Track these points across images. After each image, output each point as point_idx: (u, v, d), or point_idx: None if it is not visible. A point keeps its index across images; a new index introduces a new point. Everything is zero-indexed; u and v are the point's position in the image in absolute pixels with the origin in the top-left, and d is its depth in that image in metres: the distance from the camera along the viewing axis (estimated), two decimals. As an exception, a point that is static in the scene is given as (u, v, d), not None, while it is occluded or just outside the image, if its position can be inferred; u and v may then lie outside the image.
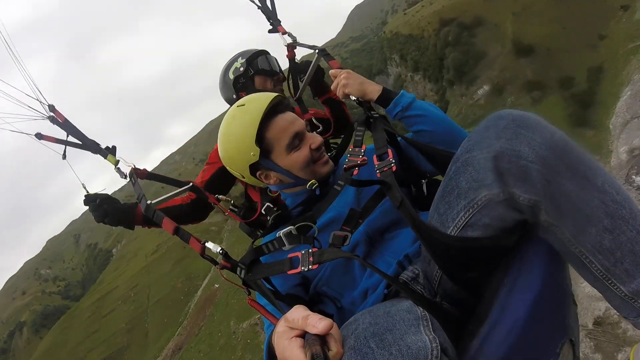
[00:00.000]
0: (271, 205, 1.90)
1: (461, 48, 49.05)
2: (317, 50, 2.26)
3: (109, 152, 2.11)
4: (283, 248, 1.50)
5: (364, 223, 1.52)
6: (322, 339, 0.87)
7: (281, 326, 0.95)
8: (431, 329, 0.97)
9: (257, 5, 2.62)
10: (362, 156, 1.64)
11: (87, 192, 2.06)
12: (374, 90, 1.85)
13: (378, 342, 0.89)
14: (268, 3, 2.62)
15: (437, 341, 0.92)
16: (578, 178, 1.02)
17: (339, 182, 1.56)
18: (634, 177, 22.48)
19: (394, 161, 1.53)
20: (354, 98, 1.90)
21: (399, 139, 1.78)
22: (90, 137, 2.19)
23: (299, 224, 1.50)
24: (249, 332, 36.75)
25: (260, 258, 1.53)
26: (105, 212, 1.99)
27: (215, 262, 1.53)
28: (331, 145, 2.47)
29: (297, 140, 1.66)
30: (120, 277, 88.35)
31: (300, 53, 2.63)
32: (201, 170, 2.56)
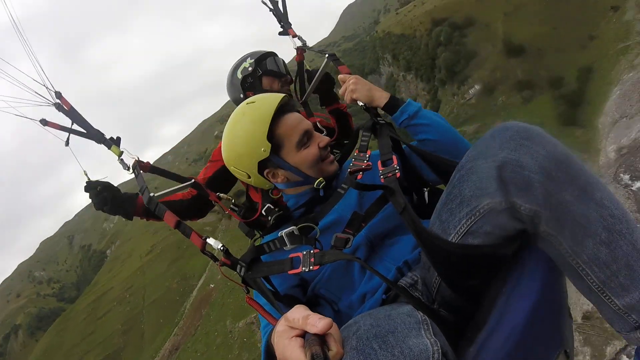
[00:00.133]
0: (272, 207, 1.88)
1: (453, 48, 49.25)
2: (326, 55, 2.26)
3: (113, 143, 2.10)
4: (284, 248, 1.51)
5: (366, 227, 1.54)
6: (322, 339, 0.88)
7: (281, 325, 0.96)
8: (432, 333, 0.99)
9: (269, 7, 2.63)
10: (367, 161, 1.65)
11: (89, 179, 2.03)
12: (381, 97, 1.86)
13: (381, 344, 0.91)
14: (280, 6, 2.64)
15: (438, 344, 0.94)
16: (578, 191, 1.04)
17: (343, 185, 1.56)
18: (621, 175, 22.71)
19: (398, 167, 1.53)
20: (361, 103, 1.90)
21: (403, 146, 1.78)
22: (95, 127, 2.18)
23: (301, 225, 1.52)
24: (245, 331, 36.72)
25: (261, 257, 1.54)
26: (105, 200, 1.98)
27: (215, 259, 1.51)
28: (334, 151, 2.41)
29: (306, 137, 1.69)
30: (115, 279, 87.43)
31: (308, 57, 2.67)
32: (204, 167, 2.55)
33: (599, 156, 25.86)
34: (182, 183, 2.21)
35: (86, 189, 2.01)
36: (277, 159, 1.66)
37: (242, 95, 2.66)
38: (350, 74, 2.00)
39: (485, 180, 1.08)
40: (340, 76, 2.02)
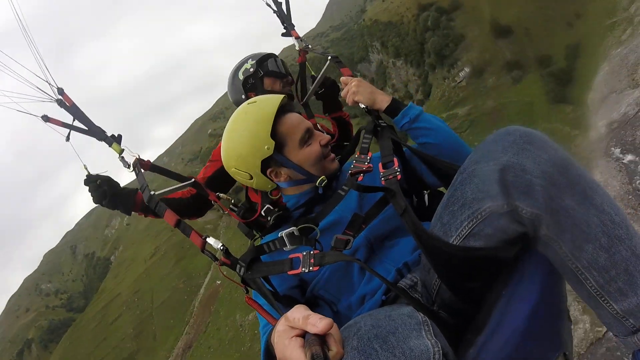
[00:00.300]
0: (271, 207, 1.87)
1: (440, 32, 48.82)
2: (329, 57, 2.26)
3: (114, 140, 2.07)
4: (284, 248, 1.51)
5: (366, 229, 1.54)
6: (322, 339, 0.87)
7: (281, 325, 0.95)
8: (433, 334, 0.97)
9: (272, 9, 2.64)
10: (368, 163, 1.66)
11: (89, 172, 2.01)
12: (383, 100, 1.85)
13: (382, 344, 0.90)
14: (283, 7, 2.65)
15: (439, 345, 0.93)
16: (579, 196, 1.04)
17: (344, 186, 1.56)
18: (612, 149, 22.66)
19: (399, 170, 1.53)
20: (363, 106, 1.89)
21: (404, 149, 1.78)
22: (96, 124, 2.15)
23: (301, 225, 1.51)
24: (255, 323, 36.32)
25: (261, 257, 1.53)
26: (104, 194, 1.96)
27: (215, 258, 1.50)
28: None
29: (307, 135, 1.69)
30: (122, 284, 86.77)
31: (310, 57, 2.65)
32: (203, 167, 2.55)
33: (589, 132, 26.02)
34: (182, 182, 2.19)
35: (86, 183, 2.00)
36: (281, 157, 1.66)
37: (243, 96, 2.67)
38: (352, 76, 2.01)
39: (487, 183, 1.08)
40: (342, 78, 2.03)
